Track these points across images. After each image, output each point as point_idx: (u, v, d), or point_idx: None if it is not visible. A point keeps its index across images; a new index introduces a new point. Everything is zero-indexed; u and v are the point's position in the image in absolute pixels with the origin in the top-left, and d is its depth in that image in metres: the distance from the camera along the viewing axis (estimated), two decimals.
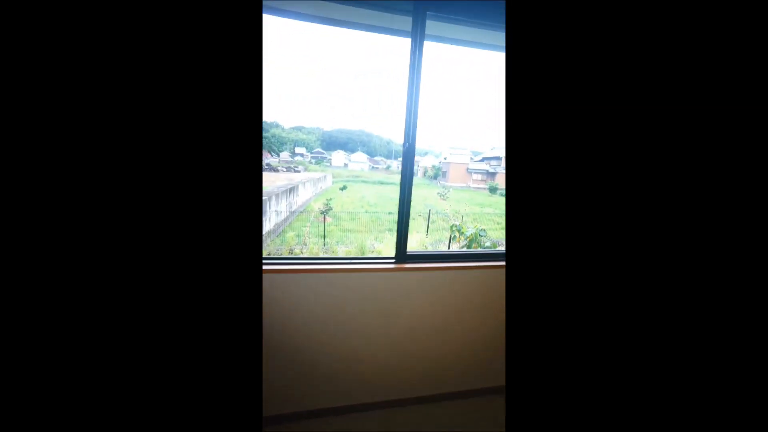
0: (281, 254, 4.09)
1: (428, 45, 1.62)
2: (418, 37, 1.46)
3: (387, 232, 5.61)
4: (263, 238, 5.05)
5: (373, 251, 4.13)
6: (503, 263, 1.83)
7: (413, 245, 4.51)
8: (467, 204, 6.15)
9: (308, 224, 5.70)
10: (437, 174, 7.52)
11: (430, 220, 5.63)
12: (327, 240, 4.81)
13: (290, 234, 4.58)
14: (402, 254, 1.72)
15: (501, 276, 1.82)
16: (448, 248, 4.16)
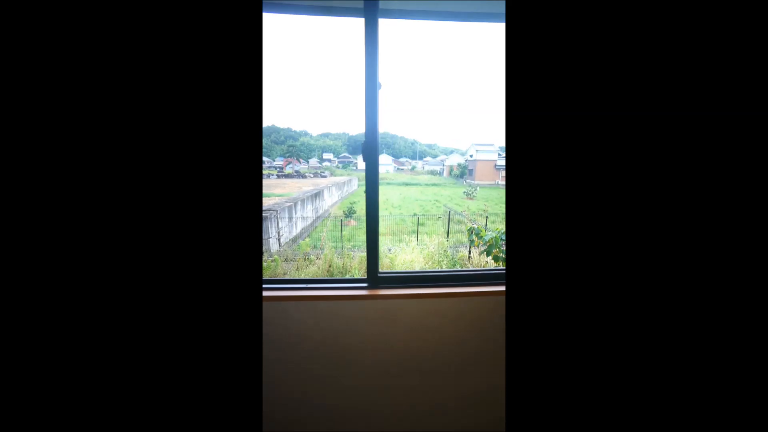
0: (296, 260, 3.87)
1: (427, 24, 1.21)
2: (370, 11, 1.06)
3: (409, 234, 5.17)
4: (288, 243, 4.88)
5: (389, 255, 3.74)
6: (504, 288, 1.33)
7: (432, 249, 4.08)
8: (495, 203, 5.54)
9: (325, 229, 5.46)
10: (463, 172, 6.96)
11: (455, 221, 5.11)
12: (344, 244, 4.51)
13: (306, 240, 4.36)
14: (374, 276, 1.33)
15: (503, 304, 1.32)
16: (469, 254, 3.63)
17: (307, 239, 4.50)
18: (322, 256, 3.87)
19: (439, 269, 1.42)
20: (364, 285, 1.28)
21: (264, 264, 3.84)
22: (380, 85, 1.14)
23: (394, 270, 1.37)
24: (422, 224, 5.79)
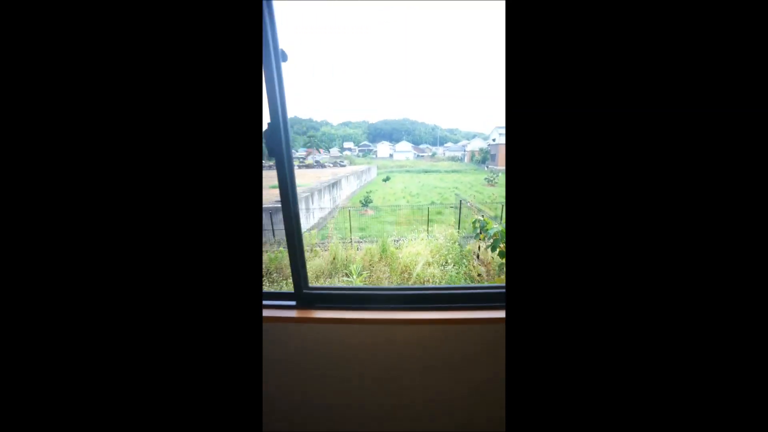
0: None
1: None
2: None
3: (424, 224, 4.82)
4: (306, 233, 4.79)
5: (392, 248, 3.46)
6: (501, 314, 0.98)
7: (441, 241, 3.71)
8: None
9: (332, 220, 5.29)
10: (485, 158, 6.36)
11: (474, 209, 4.63)
12: (351, 236, 4.31)
13: (313, 231, 4.22)
14: (300, 292, 1.06)
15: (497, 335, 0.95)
16: (478, 248, 3.21)
17: (314, 231, 4.36)
18: (329, 248, 3.70)
19: (393, 286, 1.11)
20: (292, 303, 1.02)
21: (272, 255, 3.79)
22: (285, 57, 0.84)
23: (329, 286, 1.07)
24: (440, 213, 5.41)
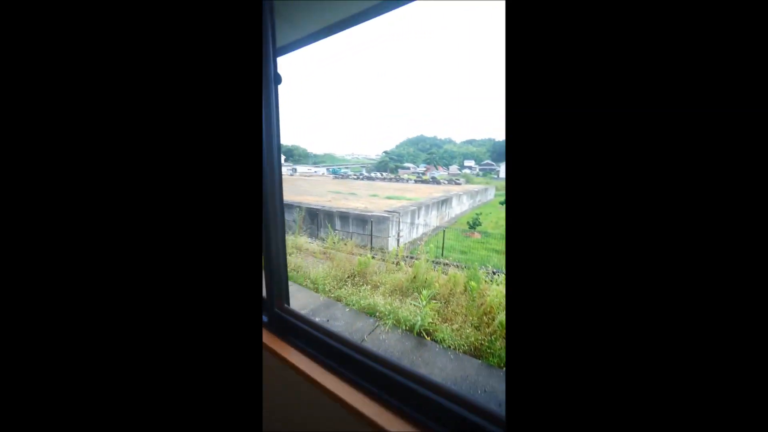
0: (386, 262, 3.69)
1: None
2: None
3: None
4: (407, 245, 4.79)
5: (489, 282, 2.87)
6: None
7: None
8: None
9: (423, 240, 4.97)
10: None
11: None
12: (443, 257, 3.94)
13: (401, 246, 4.08)
14: (271, 310, 0.90)
15: None
16: None
17: (403, 245, 4.22)
18: (414, 265, 3.49)
19: (392, 359, 0.72)
20: (264, 320, 0.92)
21: (362, 259, 3.92)
22: (280, 79, 0.79)
23: (311, 321, 0.82)
24: None
